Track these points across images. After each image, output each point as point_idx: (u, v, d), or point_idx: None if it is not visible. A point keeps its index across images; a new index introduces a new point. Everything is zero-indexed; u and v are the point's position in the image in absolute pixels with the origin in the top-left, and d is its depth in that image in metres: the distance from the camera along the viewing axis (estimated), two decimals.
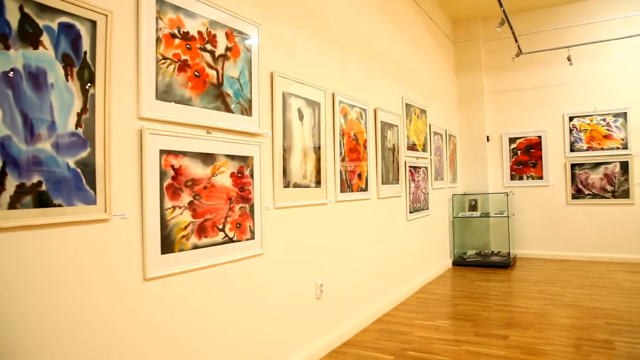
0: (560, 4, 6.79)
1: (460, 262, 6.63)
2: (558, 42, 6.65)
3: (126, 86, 1.93)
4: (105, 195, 1.80)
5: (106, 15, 1.81)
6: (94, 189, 1.77)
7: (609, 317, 3.90)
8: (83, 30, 1.74)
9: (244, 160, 2.59)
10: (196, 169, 2.25)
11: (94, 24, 1.78)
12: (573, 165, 6.78)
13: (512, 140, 7.20)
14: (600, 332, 3.54)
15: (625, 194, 6.45)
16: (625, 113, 6.44)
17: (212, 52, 2.38)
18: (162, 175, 2.06)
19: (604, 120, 6.60)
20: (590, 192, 6.66)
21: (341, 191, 3.67)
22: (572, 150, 6.80)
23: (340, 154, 3.69)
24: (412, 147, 5.29)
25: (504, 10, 4.76)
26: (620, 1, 6.45)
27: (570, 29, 6.69)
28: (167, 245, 2.08)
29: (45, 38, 1.62)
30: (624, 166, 6.46)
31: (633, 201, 6.40)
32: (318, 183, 3.35)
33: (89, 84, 1.76)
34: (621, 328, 3.62)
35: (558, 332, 3.58)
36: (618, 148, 6.51)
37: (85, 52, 1.75)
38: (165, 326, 2.07)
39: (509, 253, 6.60)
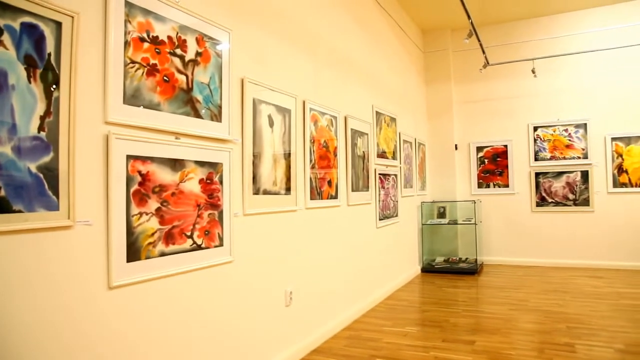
0: (525, 18, 7.02)
1: (429, 269, 6.72)
2: (523, 54, 6.88)
3: (92, 90, 1.88)
4: (68, 201, 1.75)
5: (72, 17, 1.77)
6: (57, 195, 1.71)
7: (571, 321, 4.02)
8: (47, 31, 1.69)
9: (213, 166, 2.56)
10: (164, 175, 2.21)
11: (59, 25, 1.73)
12: (537, 174, 6.99)
13: (479, 149, 7.37)
14: (562, 336, 3.64)
15: (586, 202, 6.69)
16: (586, 124, 6.70)
17: (182, 57, 2.36)
18: (129, 181, 2.02)
19: (566, 130, 6.84)
20: (554, 200, 6.88)
21: (311, 198, 3.67)
22: (536, 159, 7.02)
23: (311, 161, 3.70)
24: (382, 155, 5.35)
25: (471, 23, 4.88)
26: (581, 17, 6.74)
27: (535, 42, 6.93)
28: (133, 252, 2.03)
29: (6, 38, 1.57)
30: (585, 175, 6.70)
31: (593, 209, 6.64)
32: (288, 190, 3.35)
33: (53, 87, 1.71)
34: (581, 331, 3.74)
35: (523, 337, 3.66)
36: (579, 158, 6.75)
37: (49, 54, 1.70)
38: (130, 336, 2.02)
39: (476, 260, 6.73)
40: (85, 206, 1.83)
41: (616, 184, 6.56)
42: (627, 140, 6.51)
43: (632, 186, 6.48)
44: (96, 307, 1.86)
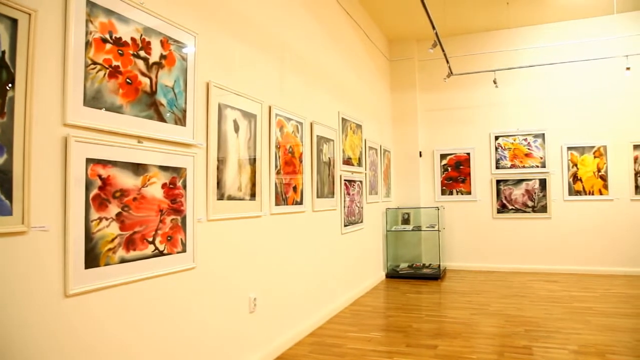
0: (488, 30, 7.26)
1: (393, 275, 6.80)
2: (486, 65, 7.10)
3: (51, 90, 1.82)
4: (23, 206, 1.68)
5: (29, 14, 1.71)
6: (10, 199, 1.64)
7: (528, 325, 4.14)
8: (1, 28, 1.63)
9: (177, 171, 2.52)
10: (126, 180, 2.16)
11: (14, 22, 1.67)
12: (498, 182, 7.20)
13: (443, 156, 7.53)
14: (520, 339, 3.75)
15: (544, 209, 6.93)
16: (544, 134, 6.97)
17: (145, 60, 2.31)
18: (89, 185, 1.96)
19: (525, 140, 7.08)
20: (514, 207, 7.10)
21: (276, 204, 3.66)
22: (497, 167, 7.23)
23: (276, 166, 3.69)
24: (347, 162, 5.39)
25: (436, 33, 5.00)
26: (540, 31, 7.02)
27: (497, 53, 7.16)
28: (92, 259, 1.97)
29: None
30: (543, 183, 6.95)
31: (550, 216, 6.90)
32: (253, 195, 3.32)
33: (8, 86, 1.64)
34: (538, 334, 3.86)
35: (483, 340, 3.75)
36: (537, 166, 7.00)
37: (3, 52, 1.63)
38: (88, 346, 1.95)
39: (439, 265, 6.86)
40: (41, 211, 1.76)
41: (571, 191, 6.83)
42: (582, 149, 6.80)
43: (585, 194, 6.77)
44: (51, 317, 1.79)
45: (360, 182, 5.86)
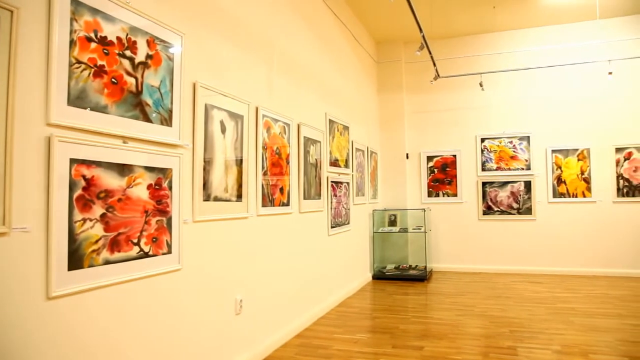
0: (474, 34, 7.33)
1: (379, 276, 6.82)
2: (472, 68, 7.18)
3: (34, 89, 1.79)
4: (4, 207, 1.65)
5: (11, 12, 1.69)
6: None
7: (513, 325, 4.18)
8: None
9: (163, 172, 2.50)
10: (110, 180, 2.13)
11: None
12: (484, 184, 7.26)
13: (429, 158, 7.57)
14: (505, 340, 3.79)
15: (529, 211, 7.02)
16: (529, 137, 7.05)
17: (131, 59, 2.29)
18: (72, 185, 1.93)
19: (510, 142, 7.16)
20: (499, 209, 7.17)
21: (263, 205, 3.65)
22: (483, 169, 7.29)
23: (263, 168, 3.68)
24: (334, 163, 5.39)
25: (423, 36, 5.03)
26: (526, 35, 7.11)
27: (483, 57, 7.24)
28: (76, 260, 1.94)
29: None
30: (528, 185, 7.03)
31: (535, 217, 6.98)
32: (239, 197, 3.31)
33: None
34: (522, 335, 3.90)
35: (469, 341, 3.78)
36: (523, 169, 7.08)
37: None
38: (71, 349, 1.92)
39: (425, 267, 6.90)
40: (23, 212, 1.73)
41: (555, 194, 6.92)
42: (566, 152, 6.90)
43: (569, 196, 6.86)
44: (33, 319, 1.76)
45: (347, 183, 5.87)
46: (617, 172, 6.69)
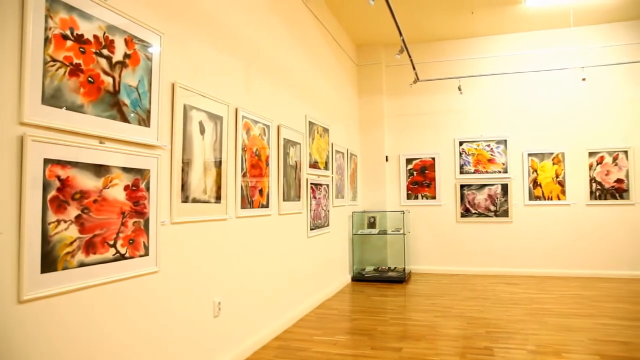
0: (453, 38, 7.43)
1: (359, 278, 6.84)
2: (451, 72, 7.28)
3: (6, 88, 1.75)
4: None
5: None
6: None
7: (490, 326, 4.25)
8: None
9: (140, 173, 2.47)
10: (86, 181, 2.10)
11: None
12: (462, 186, 7.36)
13: (408, 161, 7.64)
14: (482, 340, 3.84)
15: (505, 214, 7.13)
16: (506, 140, 7.18)
17: (109, 58, 2.26)
18: (46, 186, 1.89)
19: (488, 146, 7.27)
20: (477, 212, 7.27)
21: (242, 207, 3.63)
22: (461, 172, 7.39)
23: (242, 169, 3.66)
24: (314, 165, 5.40)
25: (403, 40, 5.08)
26: (503, 41, 7.23)
27: (462, 61, 7.35)
28: (49, 263, 1.90)
29: None
30: (504, 188, 7.15)
31: (511, 220, 7.10)
32: (218, 198, 3.29)
33: None
34: (499, 335, 3.96)
35: (446, 342, 3.82)
36: (500, 172, 7.20)
37: None
38: (45, 354, 1.88)
39: (404, 269, 6.95)
40: None
41: (531, 197, 7.06)
42: (541, 156, 7.04)
43: (544, 199, 7.00)
44: (3, 323, 1.72)
45: (327, 185, 5.88)
46: (590, 176, 6.86)
